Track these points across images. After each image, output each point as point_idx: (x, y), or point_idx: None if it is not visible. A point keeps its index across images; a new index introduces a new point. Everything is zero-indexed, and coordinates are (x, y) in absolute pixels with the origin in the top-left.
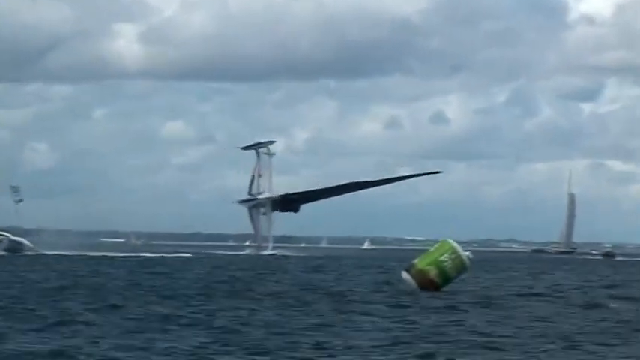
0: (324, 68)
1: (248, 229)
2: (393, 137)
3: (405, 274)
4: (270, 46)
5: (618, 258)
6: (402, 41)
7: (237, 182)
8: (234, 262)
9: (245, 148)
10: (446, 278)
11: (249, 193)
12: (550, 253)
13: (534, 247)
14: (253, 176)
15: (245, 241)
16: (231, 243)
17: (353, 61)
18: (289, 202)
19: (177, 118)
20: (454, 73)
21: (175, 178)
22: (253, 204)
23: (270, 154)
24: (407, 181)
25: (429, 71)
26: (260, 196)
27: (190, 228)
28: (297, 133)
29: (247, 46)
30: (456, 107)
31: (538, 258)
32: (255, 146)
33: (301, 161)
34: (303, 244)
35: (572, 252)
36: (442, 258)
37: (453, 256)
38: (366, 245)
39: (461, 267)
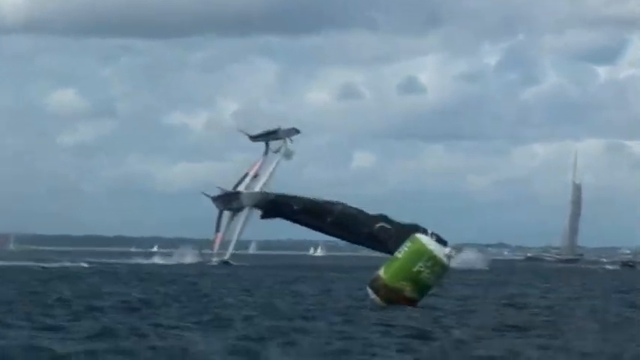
0: (262, 22)
1: (156, 231)
2: (350, 110)
3: (371, 294)
4: None
5: None
6: None
7: (149, 168)
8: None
9: (255, 138)
10: (423, 291)
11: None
12: (549, 261)
13: (529, 254)
14: (247, 174)
15: (152, 246)
16: (133, 249)
17: (299, 13)
18: (281, 207)
19: (69, 85)
20: (431, 28)
21: (65, 163)
22: (235, 203)
23: (288, 155)
24: (368, 167)
25: (397, 25)
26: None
27: (83, 229)
28: (224, 105)
29: None
30: (433, 72)
31: (536, 268)
32: (270, 136)
33: (228, 141)
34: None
35: (576, 260)
36: (417, 268)
37: (429, 263)
38: (319, 252)
39: (441, 272)
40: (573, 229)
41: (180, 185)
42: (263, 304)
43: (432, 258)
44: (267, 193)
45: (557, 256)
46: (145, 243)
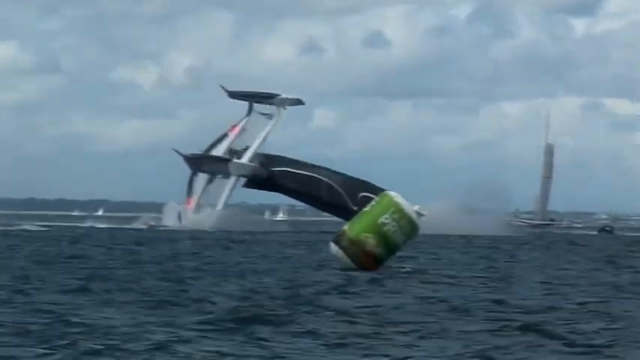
0: None
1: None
2: (311, 66)
3: (333, 247)
4: None
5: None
6: None
7: (93, 128)
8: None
9: (234, 96)
10: (390, 248)
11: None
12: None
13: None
14: (225, 135)
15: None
16: (76, 213)
17: None
18: (276, 184)
19: (6, 38)
20: None
21: (3, 121)
22: (216, 167)
23: (269, 114)
24: (329, 126)
25: None
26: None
27: (24, 192)
28: (174, 60)
29: None
30: (399, 25)
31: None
32: (256, 98)
33: (179, 98)
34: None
35: (547, 226)
36: (382, 220)
37: (396, 215)
38: (281, 216)
39: (409, 229)
40: (545, 193)
41: (128, 145)
42: None
43: (399, 211)
44: (263, 167)
45: (527, 221)
46: (89, 206)
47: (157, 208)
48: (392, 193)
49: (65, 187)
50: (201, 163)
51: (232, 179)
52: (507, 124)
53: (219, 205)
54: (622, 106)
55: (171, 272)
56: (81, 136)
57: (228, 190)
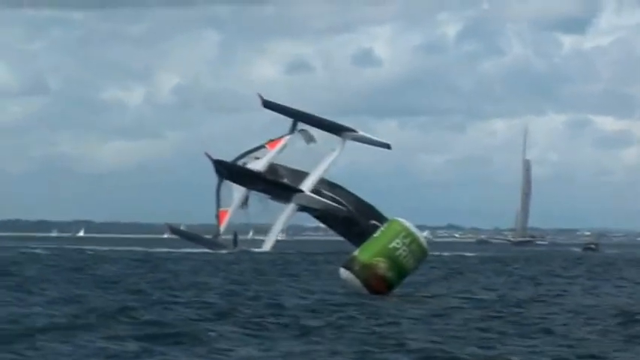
0: None
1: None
2: (300, 85)
3: (344, 272)
4: None
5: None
6: None
7: (78, 148)
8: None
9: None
10: (401, 272)
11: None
12: (497, 244)
13: (482, 237)
14: (260, 147)
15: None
16: (54, 234)
17: None
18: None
19: None
20: None
21: None
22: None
23: (309, 139)
24: (317, 144)
25: None
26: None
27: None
28: (163, 79)
29: None
30: (388, 43)
31: (483, 251)
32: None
33: (167, 118)
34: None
35: (528, 243)
36: (393, 244)
37: (407, 240)
38: (280, 236)
39: (419, 253)
40: (525, 209)
41: (112, 165)
42: None
43: (410, 235)
44: (339, 208)
45: (510, 239)
46: (70, 227)
47: (141, 228)
48: (401, 219)
49: (47, 208)
50: (247, 179)
51: (292, 206)
52: (494, 141)
53: (277, 230)
54: (608, 123)
55: None
56: (66, 157)
57: (287, 216)
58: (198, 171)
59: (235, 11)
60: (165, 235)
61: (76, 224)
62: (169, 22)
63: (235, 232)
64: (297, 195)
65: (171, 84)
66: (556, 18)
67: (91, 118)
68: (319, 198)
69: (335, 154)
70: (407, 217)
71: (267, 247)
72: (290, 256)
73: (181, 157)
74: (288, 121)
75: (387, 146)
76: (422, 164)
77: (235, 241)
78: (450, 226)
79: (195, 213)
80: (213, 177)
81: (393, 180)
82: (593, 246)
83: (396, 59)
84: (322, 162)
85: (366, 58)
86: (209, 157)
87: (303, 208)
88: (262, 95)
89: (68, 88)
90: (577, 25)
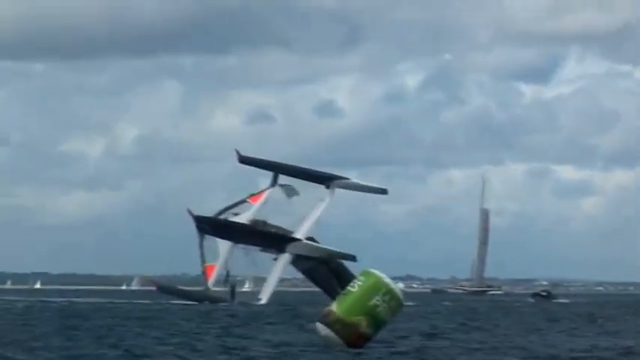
0: (166, 41)
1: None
2: (260, 136)
3: (323, 329)
4: (89, 9)
5: (561, 300)
6: (274, 2)
7: (38, 200)
8: None
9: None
10: (378, 326)
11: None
12: (453, 294)
13: (439, 287)
14: (242, 201)
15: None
16: (8, 286)
17: (209, 32)
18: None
19: None
20: (349, 46)
21: None
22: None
23: (291, 193)
24: (275, 197)
25: (313, 43)
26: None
27: None
28: (123, 130)
29: (57, 11)
30: (349, 94)
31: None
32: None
33: (126, 168)
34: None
35: (483, 292)
36: (374, 302)
37: (387, 297)
38: (134, 285)
39: (396, 307)
40: (481, 259)
41: (72, 217)
42: None
43: (389, 292)
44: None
45: (465, 289)
46: (25, 279)
47: (99, 280)
48: (377, 273)
49: (2, 259)
50: (235, 233)
51: (287, 256)
52: (454, 191)
53: (273, 280)
54: (567, 173)
55: None
56: (25, 209)
57: (283, 266)
58: (158, 222)
59: (198, 62)
60: (124, 287)
61: (33, 276)
62: (131, 73)
63: (233, 284)
64: (293, 244)
65: (132, 135)
66: (517, 68)
67: (52, 170)
68: (318, 245)
69: (324, 203)
70: (367, 267)
71: (264, 299)
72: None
73: (141, 208)
74: (249, 171)
75: (384, 191)
76: (382, 215)
77: (233, 294)
78: (409, 277)
79: (155, 264)
80: (172, 228)
81: (353, 230)
82: (544, 293)
83: (357, 110)
84: (312, 212)
85: (327, 109)
86: (190, 213)
87: (297, 258)
88: (239, 151)
89: (28, 140)
90: (538, 74)
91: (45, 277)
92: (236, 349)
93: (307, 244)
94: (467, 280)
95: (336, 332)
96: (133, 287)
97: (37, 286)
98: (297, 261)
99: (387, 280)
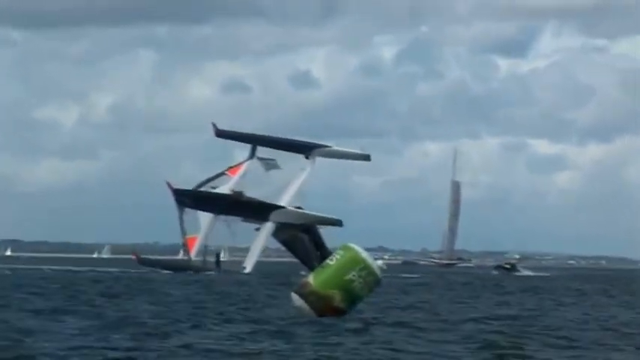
0: (143, 10)
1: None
2: (235, 106)
3: (297, 300)
4: None
5: (525, 273)
6: None
7: (11, 168)
8: None
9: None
10: (353, 301)
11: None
12: (423, 265)
13: (407, 259)
14: (221, 174)
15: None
16: None
17: (182, 1)
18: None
19: None
20: (326, 17)
21: None
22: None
23: (269, 166)
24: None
25: (289, 14)
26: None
27: None
28: (97, 99)
29: None
30: (326, 65)
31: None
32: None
33: (100, 138)
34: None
35: (452, 265)
36: (350, 277)
37: (363, 272)
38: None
39: (373, 283)
40: (452, 231)
41: (45, 184)
42: None
43: (366, 268)
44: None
45: (435, 261)
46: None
47: (71, 248)
48: (356, 248)
49: None
50: (217, 204)
51: (270, 225)
52: (428, 163)
53: (257, 250)
54: (542, 146)
55: None
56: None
57: (265, 235)
58: (132, 191)
59: (173, 31)
60: (95, 255)
61: (4, 243)
62: (107, 41)
63: (218, 253)
64: (277, 211)
65: (107, 104)
66: (494, 41)
67: (26, 137)
68: (303, 211)
69: (305, 172)
70: (340, 239)
71: (248, 268)
72: None
73: (115, 177)
74: (225, 142)
75: (367, 157)
76: (356, 186)
77: (218, 263)
78: (381, 248)
79: (127, 233)
80: (146, 198)
81: (326, 201)
82: (507, 266)
83: (334, 81)
84: (294, 182)
85: (303, 80)
86: (169, 186)
87: (280, 227)
88: (216, 124)
89: (3, 107)
90: (515, 48)
91: (16, 245)
92: None
93: (292, 210)
94: (437, 252)
95: (310, 304)
96: (104, 255)
97: (8, 253)
98: (280, 230)
99: (365, 256)
